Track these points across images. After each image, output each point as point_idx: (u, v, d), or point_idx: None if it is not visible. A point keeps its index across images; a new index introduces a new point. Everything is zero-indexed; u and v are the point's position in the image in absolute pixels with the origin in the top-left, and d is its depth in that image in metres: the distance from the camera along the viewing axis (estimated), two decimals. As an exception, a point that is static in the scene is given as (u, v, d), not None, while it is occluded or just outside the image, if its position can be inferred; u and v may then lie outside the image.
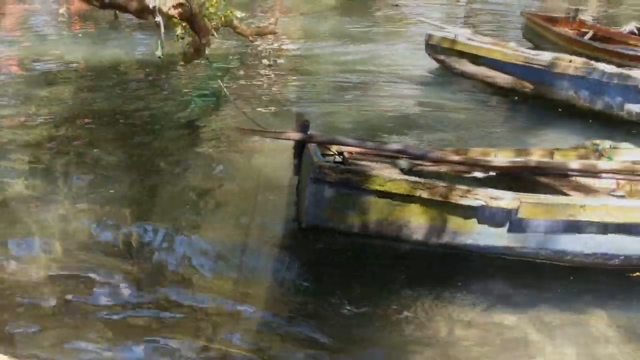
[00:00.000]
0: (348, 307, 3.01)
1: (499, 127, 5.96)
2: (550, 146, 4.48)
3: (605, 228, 3.20)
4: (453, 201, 3.13)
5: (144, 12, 5.28)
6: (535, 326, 2.96)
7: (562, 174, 3.75)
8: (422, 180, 3.19)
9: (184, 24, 5.94)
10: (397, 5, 14.25)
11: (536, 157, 4.18)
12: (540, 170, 3.74)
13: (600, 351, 2.83)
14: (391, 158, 3.95)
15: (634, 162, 3.95)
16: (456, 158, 3.76)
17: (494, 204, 3.11)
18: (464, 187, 3.16)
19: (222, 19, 6.40)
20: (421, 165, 4.02)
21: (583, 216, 3.14)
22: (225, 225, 3.82)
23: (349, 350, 2.79)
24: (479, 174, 4.02)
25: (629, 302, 3.19)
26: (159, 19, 5.21)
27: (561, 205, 3.15)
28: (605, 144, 4.18)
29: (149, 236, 3.66)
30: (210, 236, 3.67)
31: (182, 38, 6.41)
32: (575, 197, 3.30)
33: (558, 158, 4.17)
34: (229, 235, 3.71)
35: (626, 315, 3.08)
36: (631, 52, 7.95)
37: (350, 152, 3.96)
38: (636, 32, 9.03)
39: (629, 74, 5.91)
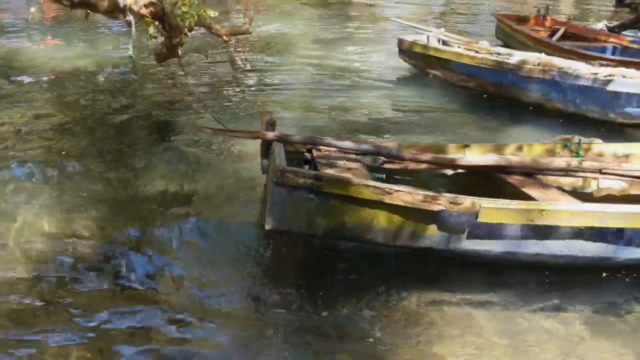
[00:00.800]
0: (312, 310, 3.02)
1: (470, 128, 6.03)
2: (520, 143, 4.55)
3: (564, 232, 3.24)
4: (414, 206, 3.16)
5: (114, 12, 5.21)
6: (503, 325, 3.01)
7: (529, 172, 3.79)
8: (383, 185, 3.22)
9: (156, 23, 5.89)
10: (371, 5, 14.32)
11: (506, 153, 4.24)
12: (508, 169, 3.78)
13: (570, 348, 2.87)
14: (361, 156, 3.98)
15: (601, 160, 4.04)
16: (425, 157, 3.79)
17: (455, 208, 3.15)
18: (425, 192, 3.19)
19: (196, 18, 6.35)
20: (391, 162, 4.06)
21: (542, 221, 3.18)
22: (190, 225, 3.82)
23: (316, 352, 2.78)
24: (448, 171, 4.07)
25: (592, 301, 3.23)
26: (130, 18, 5.14)
27: (520, 210, 3.19)
28: (575, 139, 4.24)
29: (112, 239, 3.65)
30: (175, 238, 3.68)
31: (155, 37, 6.34)
32: (534, 202, 3.32)
33: (528, 154, 4.23)
34: (193, 236, 3.71)
35: (588, 314, 3.13)
36: (599, 54, 8.08)
37: (319, 151, 3.96)
38: (606, 30, 9.21)
39: (597, 74, 6.01)
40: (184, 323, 2.89)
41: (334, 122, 5.96)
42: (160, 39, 6.11)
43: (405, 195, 3.16)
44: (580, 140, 4.24)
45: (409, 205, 3.17)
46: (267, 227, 3.32)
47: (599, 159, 4.10)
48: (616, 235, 3.27)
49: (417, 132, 5.81)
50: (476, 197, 3.21)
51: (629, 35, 8.84)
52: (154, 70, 7.34)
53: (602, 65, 6.57)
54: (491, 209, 3.15)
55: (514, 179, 3.76)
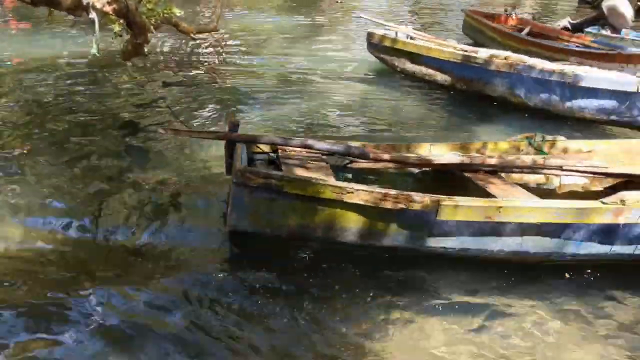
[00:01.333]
0: (275, 312, 3.00)
1: (438, 123, 6.08)
2: (485, 140, 4.60)
3: (522, 228, 3.29)
4: (374, 205, 3.18)
5: (77, 9, 5.12)
6: (468, 320, 3.03)
7: (492, 170, 3.85)
8: (343, 184, 3.23)
9: (121, 21, 5.81)
10: (340, 2, 14.35)
11: (471, 150, 4.28)
12: (472, 167, 3.83)
13: (534, 344, 2.91)
14: (327, 156, 3.99)
15: (563, 157, 4.11)
16: (390, 157, 3.81)
17: (414, 207, 3.19)
18: (385, 191, 3.21)
19: (162, 15, 6.29)
20: (358, 162, 4.07)
21: (500, 217, 3.23)
22: (154, 225, 3.77)
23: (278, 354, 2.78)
24: (414, 170, 4.10)
25: (553, 296, 3.27)
26: (93, 15, 5.06)
27: (478, 207, 3.23)
28: (538, 137, 4.30)
29: (72, 236, 3.58)
30: (137, 238, 3.62)
31: (121, 35, 6.26)
32: (492, 200, 3.37)
33: (492, 151, 4.28)
34: (156, 236, 3.66)
35: (550, 308, 3.17)
36: (564, 47, 8.28)
37: (284, 150, 3.97)
38: (569, 27, 9.41)
39: (562, 70, 6.13)
40: (139, 326, 2.86)
41: (301, 120, 5.94)
42: (127, 37, 6.04)
43: (365, 194, 3.18)
44: (543, 137, 4.29)
45: (369, 205, 3.19)
46: (228, 227, 3.32)
47: (561, 156, 4.17)
48: (573, 231, 3.33)
49: (384, 128, 5.83)
50: (435, 195, 3.25)
51: (591, 33, 9.03)
52: (119, 67, 7.24)
53: (565, 63, 6.71)
54: (450, 206, 3.19)
55: (477, 177, 3.81)
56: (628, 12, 8.86)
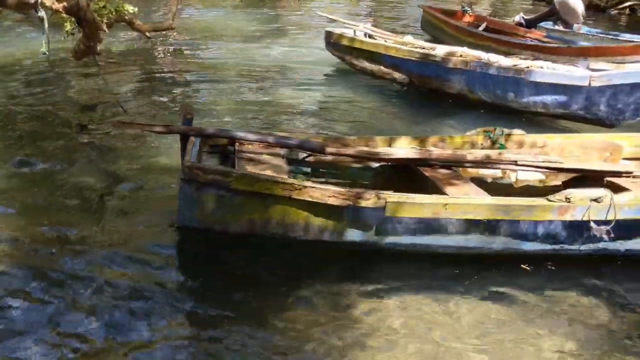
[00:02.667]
0: (226, 310, 2.96)
1: (396, 120, 6.11)
2: (443, 135, 4.64)
3: (468, 225, 3.31)
4: (322, 201, 3.17)
5: (24, 6, 4.96)
6: (411, 314, 3.02)
7: (448, 165, 3.87)
8: (291, 181, 3.21)
9: (72, 19, 5.65)
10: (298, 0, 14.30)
11: (431, 144, 4.28)
12: (427, 161, 3.84)
13: (484, 337, 2.92)
14: (286, 150, 3.96)
15: (520, 151, 4.16)
16: (347, 151, 3.80)
17: (362, 203, 3.19)
18: (334, 188, 3.20)
19: (114, 13, 6.15)
20: (317, 156, 4.05)
21: (446, 214, 3.25)
22: (105, 223, 3.71)
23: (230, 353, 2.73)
24: (373, 164, 4.10)
25: (501, 292, 3.28)
26: (42, 13, 4.91)
27: (425, 203, 3.25)
28: (497, 131, 4.33)
29: (23, 236, 3.49)
30: (86, 235, 3.55)
31: (72, 34, 6.12)
32: (438, 196, 3.39)
33: (450, 146, 4.30)
34: (108, 233, 3.60)
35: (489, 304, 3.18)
36: (519, 42, 8.44)
37: (241, 144, 3.91)
38: (523, 22, 9.60)
39: (517, 66, 6.22)
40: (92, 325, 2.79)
41: (260, 117, 5.90)
42: (78, 35, 5.89)
43: (314, 191, 3.16)
44: (502, 131, 4.32)
45: (318, 201, 3.17)
46: (178, 224, 3.29)
47: (518, 151, 4.20)
48: (519, 228, 3.36)
49: (343, 125, 5.82)
50: (383, 192, 3.25)
51: (544, 28, 9.23)
52: (71, 66, 7.04)
53: (521, 58, 6.81)
54: (397, 202, 3.20)
55: (432, 172, 3.83)
56: (579, 7, 9.07)
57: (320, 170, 4.13)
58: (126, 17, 6.38)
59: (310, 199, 3.17)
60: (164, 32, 8.36)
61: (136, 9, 6.17)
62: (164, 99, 6.37)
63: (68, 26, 5.99)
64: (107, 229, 3.64)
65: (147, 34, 7.25)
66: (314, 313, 2.97)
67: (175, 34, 8.95)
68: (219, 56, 8.38)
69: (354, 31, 7.88)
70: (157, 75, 7.38)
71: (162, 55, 8.40)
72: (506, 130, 4.32)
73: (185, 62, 8.01)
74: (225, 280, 3.21)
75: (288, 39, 9.85)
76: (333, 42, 7.84)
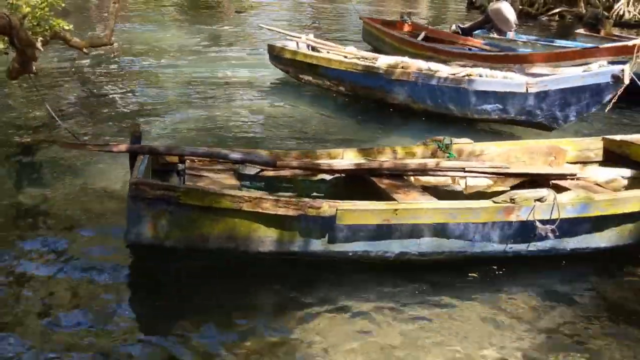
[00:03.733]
0: (176, 329, 2.90)
1: (343, 133, 6.13)
2: (392, 145, 4.68)
3: (419, 229, 3.35)
4: (273, 212, 3.16)
5: (-48, 26, 4.72)
6: (363, 325, 3.02)
7: (399, 174, 3.92)
8: (241, 193, 3.19)
9: (5, 38, 5.42)
10: (240, 12, 14.26)
11: (382, 155, 4.33)
12: (377, 171, 3.88)
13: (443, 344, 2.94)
14: (238, 165, 3.93)
15: (468, 159, 4.25)
16: (297, 164, 3.80)
17: (313, 212, 3.18)
18: (284, 199, 3.20)
19: (50, 30, 5.94)
20: (269, 170, 4.03)
21: (397, 220, 3.27)
22: (51, 243, 3.61)
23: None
24: (327, 176, 4.11)
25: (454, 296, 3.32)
26: (-29, 33, 4.69)
27: (375, 210, 3.27)
28: (446, 140, 4.41)
29: None
30: (31, 258, 3.45)
31: (7, 53, 5.87)
32: (388, 202, 3.42)
33: (402, 155, 4.36)
34: (53, 254, 3.50)
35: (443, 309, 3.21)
36: (457, 51, 8.67)
37: (192, 161, 3.86)
38: (459, 31, 9.89)
39: (457, 75, 6.36)
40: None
41: (207, 133, 5.82)
42: (12, 54, 5.66)
43: (264, 202, 3.14)
44: (451, 140, 4.41)
45: (269, 212, 3.15)
46: (127, 242, 3.21)
47: (467, 158, 4.29)
48: (468, 230, 3.41)
49: (291, 138, 5.81)
50: (333, 200, 3.26)
51: (480, 36, 9.52)
52: (6, 87, 6.77)
53: (460, 65, 6.98)
54: (348, 210, 3.21)
55: (384, 182, 3.87)
56: (511, 15, 9.42)
57: (273, 184, 4.11)
58: (62, 34, 6.17)
59: (260, 211, 3.14)
60: (103, 49, 8.13)
61: (71, 26, 5.97)
62: (107, 117, 6.19)
63: (1, 45, 5.74)
64: (52, 249, 3.53)
65: (85, 50, 7.03)
66: (267, 329, 2.92)
67: (115, 50, 8.73)
68: (161, 72, 8.23)
69: (297, 43, 7.90)
70: (97, 92, 7.18)
71: (102, 72, 8.17)
72: (454, 140, 4.42)
73: (126, 79, 7.82)
74: (175, 299, 3.14)
75: (232, 53, 9.78)
76: (276, 56, 7.84)
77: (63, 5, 6.10)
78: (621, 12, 15.89)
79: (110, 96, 7.04)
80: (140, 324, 2.96)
